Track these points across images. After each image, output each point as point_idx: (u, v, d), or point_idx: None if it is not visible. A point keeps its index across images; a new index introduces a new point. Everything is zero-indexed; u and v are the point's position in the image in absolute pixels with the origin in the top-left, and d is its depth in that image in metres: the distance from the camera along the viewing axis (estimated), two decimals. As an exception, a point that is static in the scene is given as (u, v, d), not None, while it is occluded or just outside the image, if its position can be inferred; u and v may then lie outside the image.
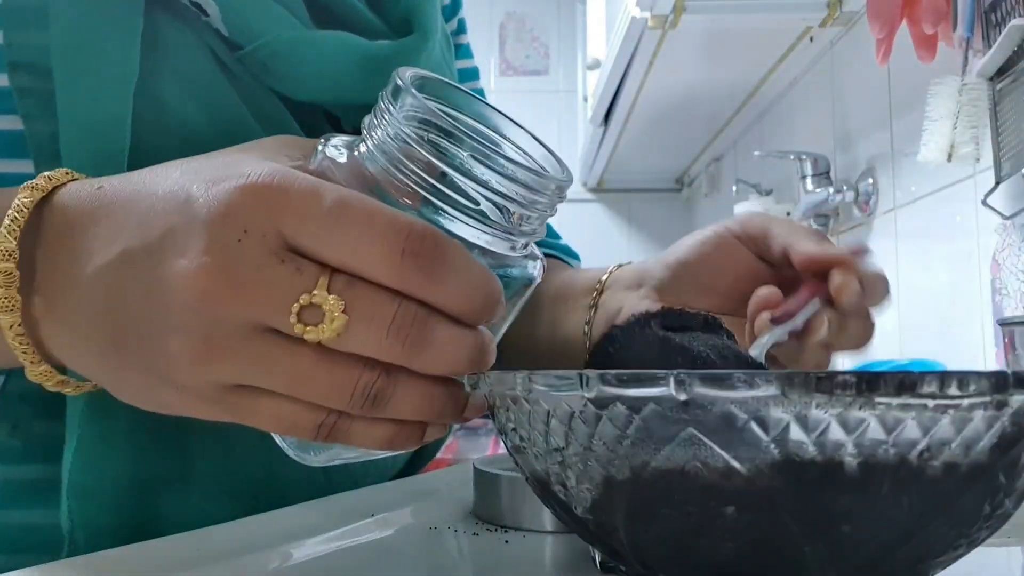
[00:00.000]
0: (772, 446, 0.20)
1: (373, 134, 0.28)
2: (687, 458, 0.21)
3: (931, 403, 0.20)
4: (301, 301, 0.24)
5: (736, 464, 0.20)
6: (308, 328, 0.24)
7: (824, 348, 0.41)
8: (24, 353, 0.28)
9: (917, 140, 1.01)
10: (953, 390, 0.20)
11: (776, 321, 0.40)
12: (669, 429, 0.21)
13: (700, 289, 0.44)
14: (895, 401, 0.20)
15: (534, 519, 0.36)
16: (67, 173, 0.29)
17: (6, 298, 0.27)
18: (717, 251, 0.44)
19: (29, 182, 0.28)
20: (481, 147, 0.26)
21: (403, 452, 0.31)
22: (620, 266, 0.49)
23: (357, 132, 0.29)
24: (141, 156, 0.37)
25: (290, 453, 0.31)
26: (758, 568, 0.22)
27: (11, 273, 0.27)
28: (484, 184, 0.26)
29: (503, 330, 0.32)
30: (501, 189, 0.27)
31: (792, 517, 0.21)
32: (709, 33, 1.44)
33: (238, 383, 0.25)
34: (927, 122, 0.99)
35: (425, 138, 0.26)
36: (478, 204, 0.27)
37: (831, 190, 1.39)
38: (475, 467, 0.40)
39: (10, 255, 0.27)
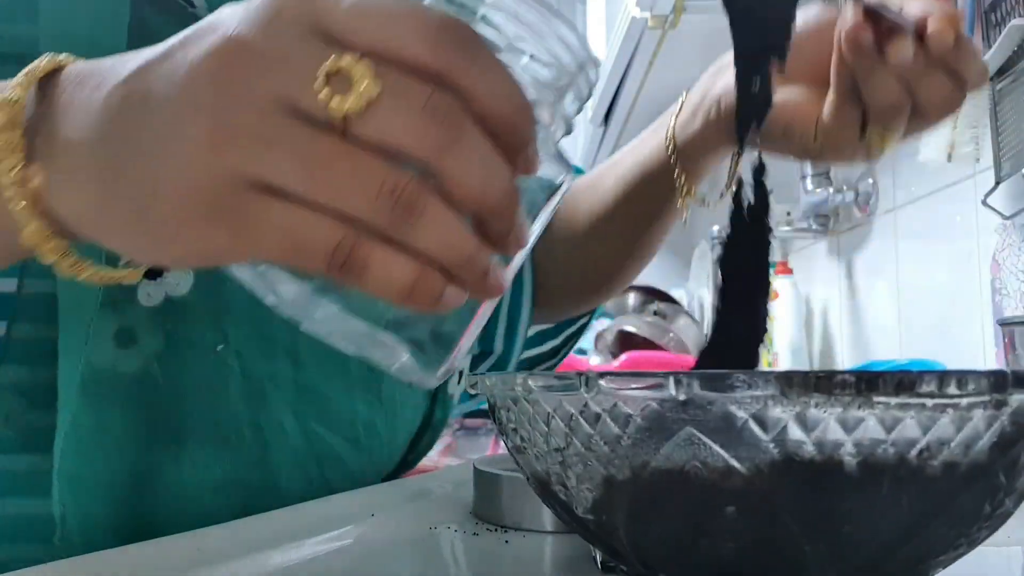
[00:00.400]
0: (772, 446, 0.20)
1: None
2: (687, 458, 0.21)
3: (930, 402, 0.20)
4: (329, 65, 0.22)
5: (736, 464, 0.20)
6: (335, 98, 0.22)
7: (906, 89, 0.40)
8: (22, 201, 0.26)
9: (917, 140, 1.01)
10: (952, 389, 0.20)
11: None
12: (669, 429, 0.21)
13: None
14: (894, 400, 0.20)
15: (534, 519, 0.36)
16: (81, 59, 0.28)
17: (10, 138, 0.26)
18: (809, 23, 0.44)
19: (45, 55, 0.28)
20: None
21: (404, 372, 0.27)
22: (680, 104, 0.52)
23: None
24: None
25: (283, 310, 0.27)
26: (758, 568, 0.22)
27: (15, 117, 0.26)
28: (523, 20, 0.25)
29: (537, 233, 0.29)
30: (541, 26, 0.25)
31: (792, 517, 0.21)
32: (709, 33, 1.44)
33: (251, 174, 0.23)
34: (927, 122, 0.99)
35: None
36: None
37: (831, 190, 1.39)
38: (475, 467, 0.40)
39: (14, 103, 0.26)
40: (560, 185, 0.28)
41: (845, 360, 1.44)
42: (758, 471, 0.20)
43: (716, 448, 0.21)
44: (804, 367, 1.51)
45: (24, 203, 0.26)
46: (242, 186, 0.23)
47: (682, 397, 0.20)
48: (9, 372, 0.38)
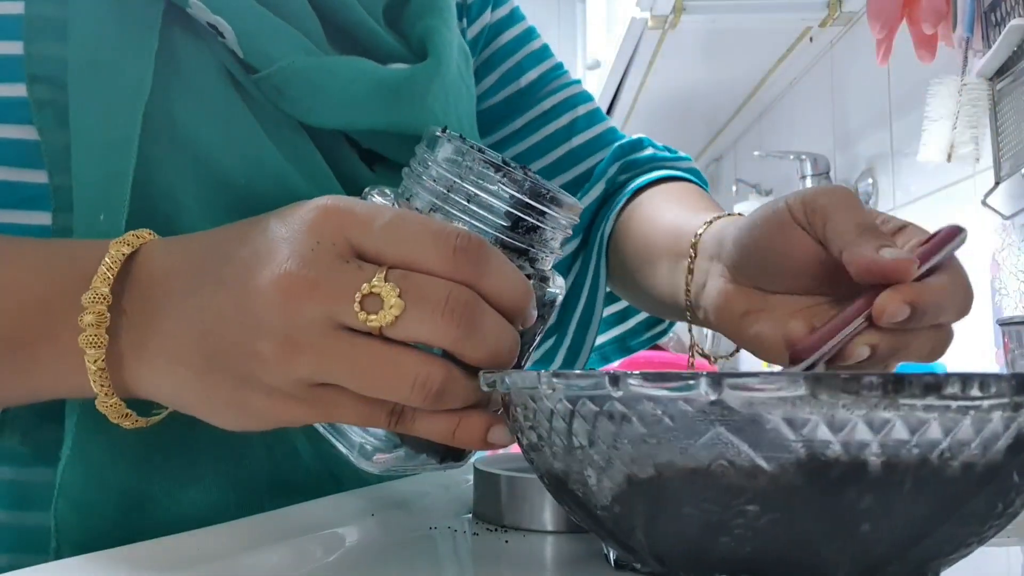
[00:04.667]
0: (799, 445, 0.20)
1: (414, 179, 0.33)
2: (713, 457, 0.21)
3: (954, 404, 0.20)
4: (362, 290, 0.28)
5: (762, 463, 0.21)
6: (370, 316, 0.28)
7: (882, 360, 0.36)
8: (102, 387, 0.31)
9: (917, 140, 1.01)
10: (975, 391, 0.20)
11: (794, 357, 0.36)
12: (697, 428, 0.21)
13: (766, 273, 0.40)
14: (920, 402, 0.20)
15: (534, 519, 0.36)
16: (150, 233, 0.33)
17: (96, 335, 0.31)
18: (776, 236, 0.39)
19: (118, 238, 0.32)
20: (513, 172, 0.32)
21: (458, 465, 0.35)
22: (709, 223, 0.45)
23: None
24: (153, 172, 0.37)
25: (351, 458, 0.34)
26: (777, 566, 0.22)
27: (103, 314, 0.31)
28: (517, 204, 0.32)
29: (535, 343, 0.36)
30: (530, 205, 0.32)
31: (813, 516, 0.21)
32: (709, 33, 1.44)
33: (317, 379, 0.29)
34: (927, 122, 0.99)
35: (463, 173, 0.32)
36: (517, 227, 0.32)
37: (831, 190, 1.39)
38: (475, 467, 0.40)
39: (103, 299, 0.31)
40: (556, 299, 0.35)
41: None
42: (783, 470, 0.21)
43: (744, 448, 0.21)
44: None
45: (104, 387, 0.31)
46: (311, 385, 0.29)
47: (713, 397, 0.20)
48: None
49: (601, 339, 0.65)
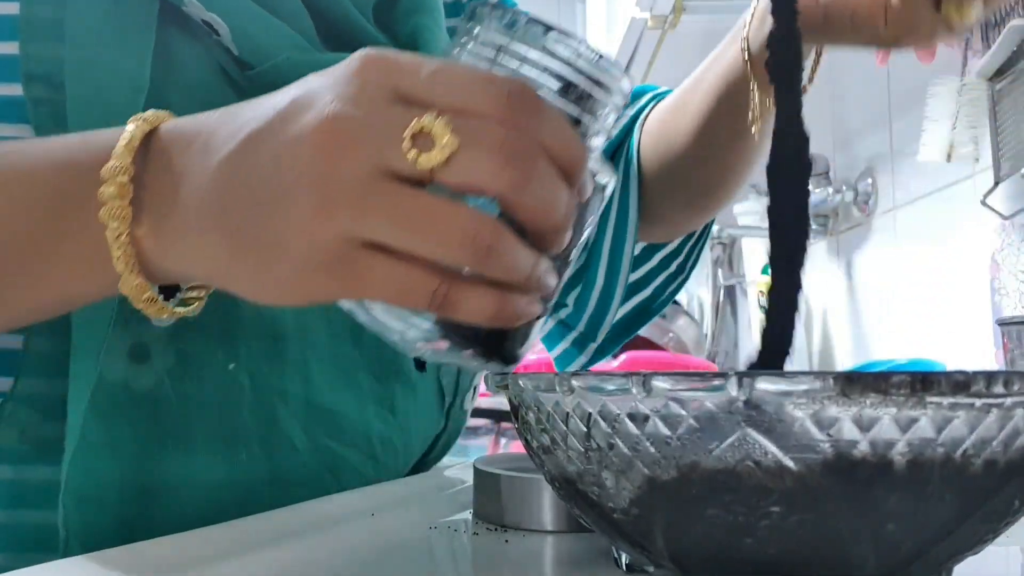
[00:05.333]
0: (826, 445, 0.20)
1: (459, 49, 0.31)
2: (738, 458, 0.21)
3: (978, 402, 0.20)
4: (412, 127, 0.25)
5: (789, 463, 0.21)
6: (421, 155, 0.25)
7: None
8: (126, 264, 0.30)
9: (916, 140, 1.01)
10: (999, 389, 0.20)
11: None
12: (724, 429, 0.21)
13: None
14: (947, 401, 0.20)
15: (534, 519, 0.36)
16: (168, 113, 0.31)
17: (119, 207, 0.29)
18: None
19: (136, 115, 0.30)
20: (562, 34, 0.30)
21: (505, 368, 0.32)
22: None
23: None
24: None
25: (394, 338, 0.31)
26: (801, 566, 0.22)
27: (125, 186, 0.29)
28: (571, 68, 0.29)
29: (590, 232, 0.34)
30: (583, 70, 0.30)
31: (839, 516, 0.21)
32: (709, 33, 1.44)
33: (359, 235, 0.26)
34: (926, 122, 0.99)
35: (512, 35, 0.30)
36: (568, 93, 0.30)
37: (830, 190, 1.39)
38: (475, 467, 0.40)
39: (125, 170, 0.29)
40: (606, 187, 0.33)
41: (845, 360, 1.44)
42: (809, 470, 0.21)
43: (771, 448, 0.21)
44: (804, 367, 1.51)
45: (128, 263, 0.30)
46: (352, 245, 0.26)
47: (743, 397, 0.20)
48: (25, 385, 0.38)
49: (623, 310, 0.64)
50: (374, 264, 0.27)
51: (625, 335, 0.65)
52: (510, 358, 0.32)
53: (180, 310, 0.32)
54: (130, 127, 0.30)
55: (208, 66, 0.40)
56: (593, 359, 0.64)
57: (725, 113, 0.51)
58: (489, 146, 0.26)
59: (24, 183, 0.31)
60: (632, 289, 0.63)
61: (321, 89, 0.27)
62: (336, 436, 0.44)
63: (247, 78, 0.41)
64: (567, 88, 0.30)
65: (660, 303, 0.65)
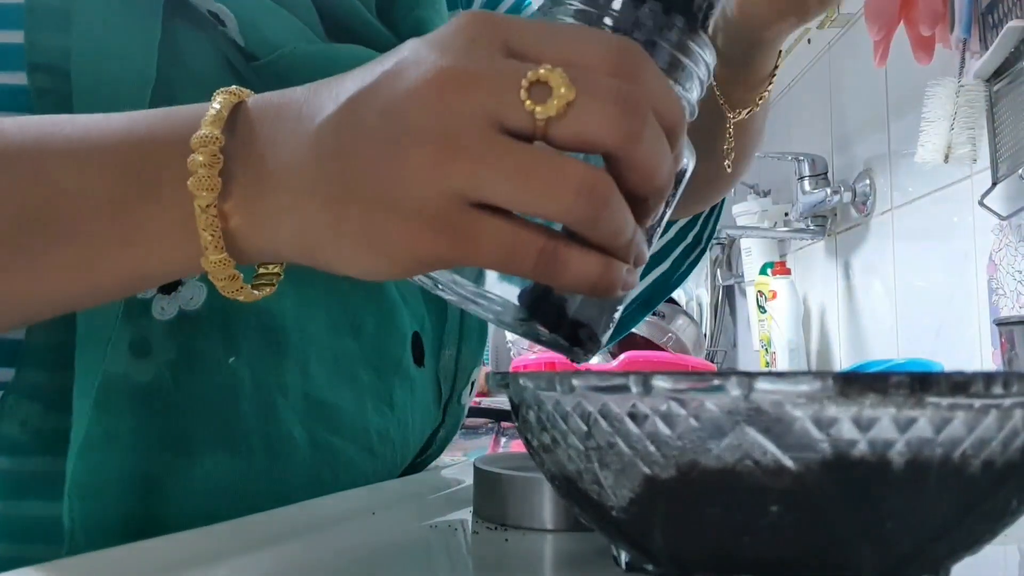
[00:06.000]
0: (825, 444, 0.20)
1: (549, 19, 0.30)
2: (737, 457, 0.21)
3: (977, 403, 0.20)
4: (529, 77, 0.25)
5: (788, 462, 0.21)
6: (538, 106, 0.25)
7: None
8: (212, 236, 0.28)
9: (914, 141, 1.01)
10: (998, 389, 0.20)
11: None
12: (723, 428, 0.21)
13: None
14: (946, 401, 0.20)
15: (534, 517, 0.36)
16: (250, 91, 0.30)
17: (208, 178, 0.28)
18: None
19: (220, 89, 0.30)
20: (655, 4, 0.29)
21: (584, 357, 0.31)
22: None
23: None
24: None
25: (494, 310, 0.30)
26: (800, 565, 0.22)
27: (216, 155, 0.28)
28: (664, 33, 0.30)
29: (665, 217, 0.33)
30: (675, 37, 0.30)
31: (837, 515, 0.21)
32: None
33: (469, 190, 0.25)
34: (924, 123, 0.99)
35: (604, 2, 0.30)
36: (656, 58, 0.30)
37: (828, 191, 1.39)
38: (475, 466, 0.40)
39: (215, 140, 0.28)
40: (687, 168, 0.32)
41: (843, 360, 1.44)
42: (809, 470, 0.21)
43: (771, 447, 0.21)
44: (802, 367, 1.52)
45: (214, 237, 0.28)
46: (463, 202, 0.26)
47: (744, 398, 0.20)
48: (26, 377, 0.38)
49: (642, 284, 0.64)
50: (483, 223, 0.26)
51: (644, 311, 0.64)
52: (595, 341, 0.31)
53: (256, 292, 0.31)
54: (218, 99, 0.29)
55: (214, 58, 0.40)
56: (613, 337, 0.64)
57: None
58: (605, 97, 0.25)
59: (103, 152, 0.30)
60: (651, 263, 0.63)
61: (428, 47, 0.26)
62: (334, 430, 0.44)
63: (253, 69, 0.41)
64: (658, 55, 0.30)
65: (679, 276, 0.64)
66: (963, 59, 0.95)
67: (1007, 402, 0.21)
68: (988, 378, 0.20)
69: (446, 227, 0.26)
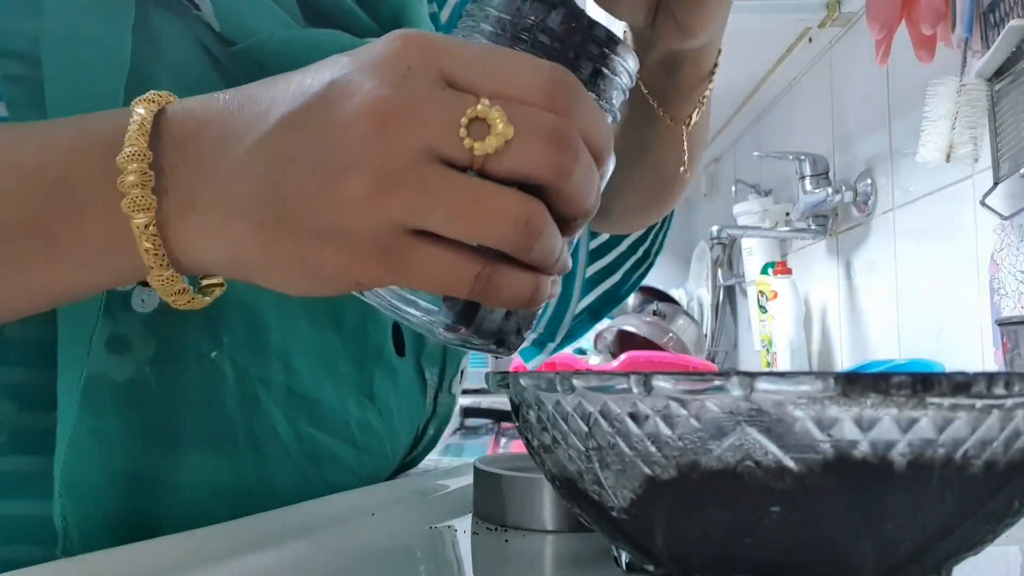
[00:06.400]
0: (827, 445, 0.20)
1: (468, 31, 0.31)
2: (738, 458, 0.21)
3: (979, 403, 0.20)
4: (468, 114, 0.25)
5: (789, 463, 0.21)
6: (476, 143, 0.25)
7: None
8: (155, 255, 0.28)
9: (916, 141, 1.01)
10: (1000, 390, 0.20)
11: None
12: (724, 429, 0.21)
13: None
14: (947, 401, 0.20)
15: (534, 518, 0.36)
16: (170, 94, 0.30)
17: (142, 196, 0.27)
18: None
19: (139, 98, 0.29)
20: (573, 9, 0.30)
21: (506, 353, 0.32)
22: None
23: None
24: None
25: (431, 327, 0.31)
26: (800, 566, 0.22)
27: (146, 173, 0.27)
28: (583, 43, 0.30)
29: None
30: (596, 42, 0.31)
31: (838, 515, 0.21)
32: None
33: (408, 221, 0.26)
34: (926, 123, 0.99)
35: (522, 12, 0.30)
36: (579, 70, 0.30)
37: (830, 190, 1.39)
38: (475, 467, 0.40)
39: (143, 156, 0.27)
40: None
41: (844, 360, 1.44)
42: (810, 470, 0.21)
43: (772, 448, 0.21)
44: (803, 367, 1.51)
45: (159, 256, 0.28)
46: (401, 230, 0.26)
47: (745, 398, 0.20)
48: (2, 374, 0.37)
49: (591, 296, 0.64)
50: (422, 251, 0.26)
51: (592, 321, 0.64)
52: (517, 341, 0.32)
53: (207, 299, 0.31)
54: (139, 109, 0.28)
55: (189, 43, 0.39)
56: (560, 346, 0.64)
57: (640, 123, 0.49)
58: (540, 136, 0.26)
59: (19, 173, 0.29)
60: (602, 275, 0.63)
61: (362, 71, 0.26)
62: (317, 425, 0.43)
63: (229, 55, 0.40)
64: (578, 65, 0.30)
65: (627, 288, 0.64)
66: (965, 58, 0.95)
67: (1009, 402, 0.20)
68: (990, 378, 0.20)
69: (383, 254, 0.26)
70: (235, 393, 0.40)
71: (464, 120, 0.25)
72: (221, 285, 0.32)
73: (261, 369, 0.41)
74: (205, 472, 0.39)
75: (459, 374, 0.55)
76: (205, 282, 0.31)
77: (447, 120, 0.25)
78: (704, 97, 0.47)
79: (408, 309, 0.31)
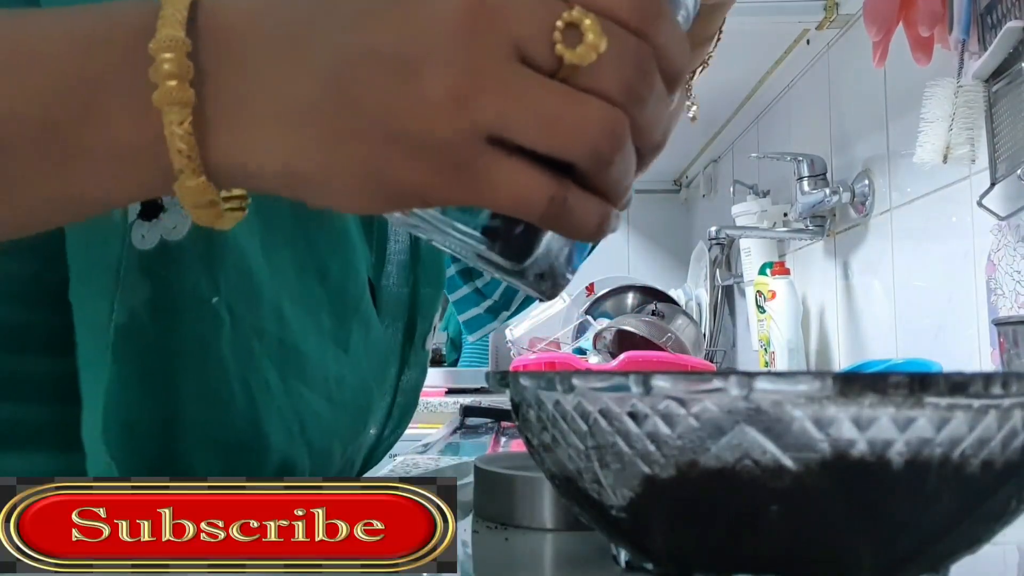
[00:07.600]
0: (824, 444, 0.21)
1: None
2: (737, 457, 0.21)
3: (976, 403, 0.20)
4: (564, 17, 0.24)
5: (788, 462, 0.21)
6: (568, 49, 0.24)
7: None
8: (188, 158, 0.24)
9: (913, 142, 1.01)
10: (997, 390, 0.20)
11: None
12: (723, 428, 0.21)
13: None
14: (945, 401, 0.20)
15: (534, 517, 0.36)
16: None
17: (179, 90, 0.24)
18: None
19: None
20: None
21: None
22: None
23: None
24: None
25: (491, 259, 0.29)
26: (798, 564, 0.22)
27: (183, 63, 0.24)
28: None
29: None
30: None
31: (836, 514, 0.21)
32: (706, 34, 1.44)
33: (494, 126, 0.24)
34: (923, 124, 0.99)
35: None
36: None
37: (827, 191, 1.40)
38: (476, 465, 0.40)
39: (181, 44, 0.24)
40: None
41: (842, 360, 1.45)
42: (808, 469, 0.21)
43: (770, 447, 0.21)
44: (801, 367, 1.52)
45: (192, 159, 0.25)
46: (480, 139, 0.24)
47: (744, 398, 0.21)
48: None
49: (472, 312, 0.63)
50: (498, 163, 0.24)
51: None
52: (562, 279, 0.30)
53: (235, 214, 0.28)
54: None
55: None
56: (513, 314, 0.63)
57: None
58: (628, 56, 0.24)
59: (31, 65, 0.25)
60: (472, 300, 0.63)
61: None
62: (303, 378, 0.42)
63: None
64: None
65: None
66: (962, 60, 0.95)
67: (1006, 402, 0.21)
68: (987, 378, 0.20)
69: (460, 167, 0.24)
70: (231, 343, 0.38)
71: (560, 23, 0.24)
72: (243, 209, 0.28)
73: (255, 319, 0.39)
74: (199, 424, 0.37)
75: (431, 330, 0.54)
76: (225, 194, 0.27)
77: (543, 20, 0.24)
78: (710, 56, 0.46)
79: (447, 231, 0.28)
